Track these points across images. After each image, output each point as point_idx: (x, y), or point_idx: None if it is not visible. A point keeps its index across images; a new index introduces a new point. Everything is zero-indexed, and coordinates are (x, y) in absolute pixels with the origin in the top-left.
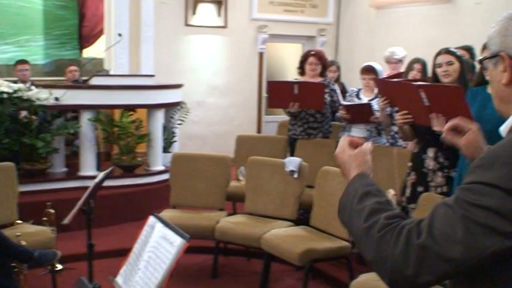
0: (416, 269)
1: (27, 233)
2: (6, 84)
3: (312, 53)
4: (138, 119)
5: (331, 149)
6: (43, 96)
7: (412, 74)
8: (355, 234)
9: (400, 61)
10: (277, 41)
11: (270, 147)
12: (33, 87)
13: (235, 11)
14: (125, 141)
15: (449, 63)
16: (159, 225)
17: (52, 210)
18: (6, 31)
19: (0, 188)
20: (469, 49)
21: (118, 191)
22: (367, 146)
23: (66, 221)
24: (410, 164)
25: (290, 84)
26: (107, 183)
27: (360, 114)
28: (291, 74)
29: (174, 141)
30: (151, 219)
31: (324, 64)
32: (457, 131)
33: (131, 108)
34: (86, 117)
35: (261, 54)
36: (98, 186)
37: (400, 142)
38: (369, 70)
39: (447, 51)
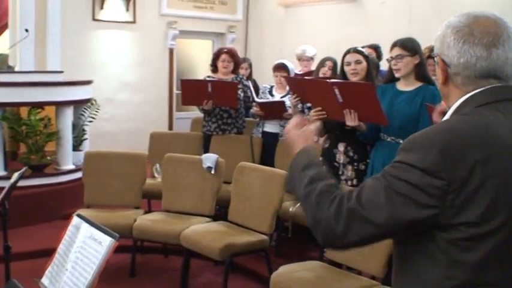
0: (345, 229)
1: None
2: None
3: (225, 50)
4: (47, 117)
5: (246, 145)
6: None
7: (323, 71)
8: (298, 200)
9: (311, 59)
10: (187, 37)
11: (185, 144)
12: None
13: (144, 6)
14: (33, 139)
15: (358, 62)
16: (85, 226)
17: None
18: None
19: None
20: (375, 48)
21: (28, 191)
22: (314, 125)
23: None
24: (321, 158)
25: (204, 83)
26: None
27: (273, 110)
28: (202, 70)
29: (85, 139)
30: (75, 220)
31: (236, 61)
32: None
33: (39, 105)
34: None
35: (171, 51)
36: (13, 186)
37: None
38: (281, 67)
39: (356, 50)
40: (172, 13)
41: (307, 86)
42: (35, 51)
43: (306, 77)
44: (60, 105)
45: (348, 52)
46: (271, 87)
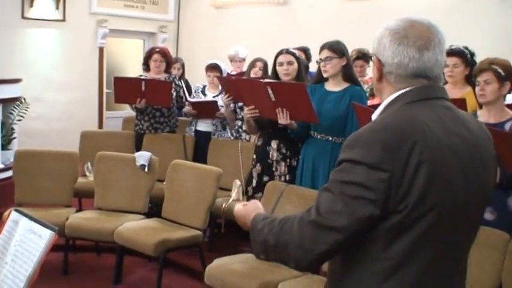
0: (312, 242)
1: None
2: None
3: (157, 50)
4: None
5: (178, 143)
6: None
7: (254, 72)
8: (268, 251)
9: (243, 60)
10: (117, 36)
11: (117, 143)
12: None
13: (74, 5)
14: None
15: (290, 63)
16: (24, 220)
17: None
18: None
19: None
20: (305, 50)
21: None
22: (256, 203)
23: None
24: (255, 156)
25: (137, 81)
26: None
27: (206, 110)
28: (132, 69)
29: (13, 138)
30: (13, 215)
31: (169, 61)
32: None
33: None
34: None
35: (101, 49)
36: None
37: (244, 135)
38: (213, 68)
39: (288, 51)
40: (102, 11)
41: (241, 86)
42: None
43: (239, 77)
44: None
45: (280, 53)
46: (204, 86)
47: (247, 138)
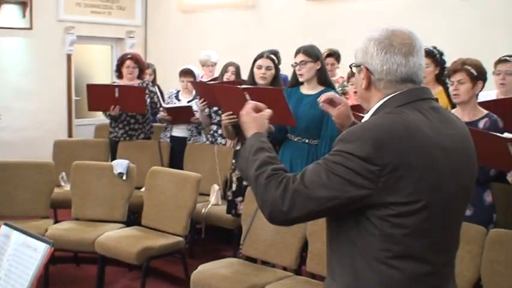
0: (290, 206)
1: None
2: None
3: (129, 56)
4: None
5: (154, 150)
6: None
7: (227, 76)
8: (249, 180)
9: (215, 64)
10: (85, 42)
11: (91, 151)
12: None
13: (41, 12)
14: None
15: (268, 68)
16: (16, 233)
17: None
18: None
19: None
20: (274, 53)
21: None
22: (268, 112)
23: None
24: (234, 160)
25: (111, 87)
26: None
27: (181, 115)
28: (101, 76)
29: None
30: (4, 229)
31: (141, 67)
32: (331, 103)
33: None
34: None
35: (69, 56)
36: None
37: (220, 140)
38: (187, 73)
39: (268, 56)
40: (69, 18)
41: (218, 92)
42: None
43: (213, 82)
44: None
45: (260, 56)
46: (178, 92)
47: (223, 142)
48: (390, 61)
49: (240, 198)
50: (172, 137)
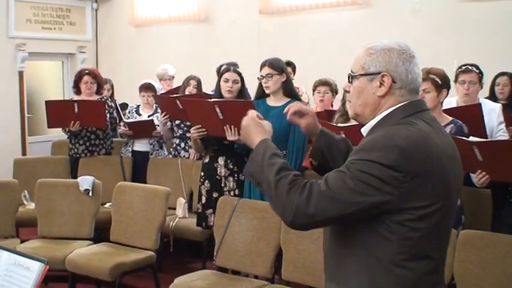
0: (315, 209)
1: None
2: None
3: (86, 71)
4: None
5: (116, 165)
6: None
7: (189, 90)
8: (263, 184)
9: (173, 77)
10: (37, 59)
11: (51, 168)
12: None
13: None
14: None
15: (235, 82)
16: (6, 254)
17: None
18: None
19: None
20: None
21: None
22: (268, 124)
23: None
24: (202, 173)
25: (70, 103)
26: None
27: (142, 129)
28: (53, 92)
29: None
30: None
31: (99, 82)
32: (298, 114)
33: None
34: None
35: (20, 73)
36: None
37: (183, 153)
38: (148, 87)
39: (235, 70)
40: (20, 35)
41: (186, 105)
42: None
43: (179, 95)
44: None
45: (227, 70)
46: (138, 106)
47: (186, 155)
48: (413, 71)
49: (210, 211)
50: (134, 152)
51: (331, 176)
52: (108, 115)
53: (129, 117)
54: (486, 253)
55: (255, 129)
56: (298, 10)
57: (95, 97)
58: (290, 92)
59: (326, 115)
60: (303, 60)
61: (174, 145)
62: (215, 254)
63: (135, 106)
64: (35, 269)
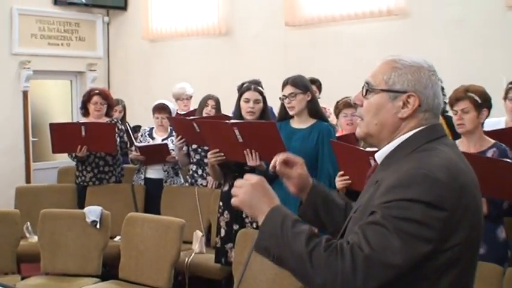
0: (365, 278)
1: None
2: None
3: (96, 91)
4: None
5: (127, 194)
6: None
7: (206, 111)
8: (290, 256)
9: (190, 97)
10: (43, 77)
11: (56, 198)
12: None
13: None
14: None
15: (257, 102)
16: None
17: None
18: None
19: None
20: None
21: None
22: (262, 179)
23: None
24: (221, 203)
25: (76, 126)
26: None
27: (155, 154)
28: (60, 114)
29: None
30: None
31: (110, 103)
32: (286, 164)
33: None
34: None
35: (25, 93)
36: None
37: (200, 181)
38: (161, 108)
39: (256, 89)
40: (25, 52)
41: (203, 128)
42: None
43: (195, 117)
44: None
45: (248, 89)
46: (151, 129)
47: (204, 183)
48: (439, 95)
49: (230, 245)
50: (146, 179)
51: (369, 233)
52: (118, 139)
53: (141, 141)
54: None
55: (258, 197)
56: (328, 22)
57: (105, 119)
58: (316, 112)
59: (355, 138)
60: (333, 76)
61: (191, 172)
62: None
63: (148, 129)
64: None
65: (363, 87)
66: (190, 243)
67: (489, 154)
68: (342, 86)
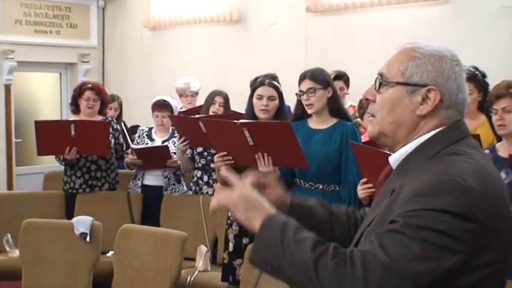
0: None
1: None
2: None
3: (89, 86)
4: None
5: (122, 203)
6: None
7: (214, 109)
8: (293, 265)
9: (196, 93)
10: (28, 69)
11: (42, 207)
12: None
13: None
14: None
15: (271, 98)
16: None
17: None
18: None
19: None
20: (273, 78)
21: None
22: (247, 181)
23: None
24: (229, 213)
25: (65, 124)
26: None
27: (155, 158)
28: (47, 111)
29: None
30: None
31: (104, 100)
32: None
33: None
34: None
35: (7, 87)
36: None
37: (205, 188)
38: (162, 106)
39: (271, 83)
40: (7, 40)
41: (209, 128)
42: None
43: (200, 116)
44: None
45: (262, 83)
46: (150, 129)
47: (210, 191)
48: (464, 89)
49: (239, 261)
50: (144, 187)
51: (386, 241)
52: (112, 140)
53: (138, 143)
54: None
55: (253, 206)
56: (355, 7)
57: (98, 117)
58: (337, 110)
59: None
60: (360, 70)
61: (195, 179)
62: None
63: (147, 129)
64: None
65: (376, 80)
66: (194, 259)
67: None
68: (370, 81)
